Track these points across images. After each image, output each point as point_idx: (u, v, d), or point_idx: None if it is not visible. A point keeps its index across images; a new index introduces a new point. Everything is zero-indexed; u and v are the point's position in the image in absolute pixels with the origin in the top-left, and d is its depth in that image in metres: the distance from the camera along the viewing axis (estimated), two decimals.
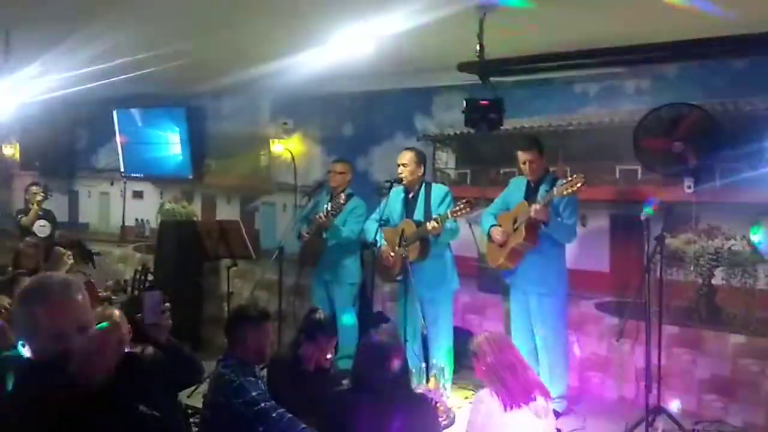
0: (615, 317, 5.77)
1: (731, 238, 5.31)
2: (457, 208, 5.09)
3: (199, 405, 3.76)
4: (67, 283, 2.09)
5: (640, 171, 5.74)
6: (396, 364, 3.25)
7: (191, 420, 3.81)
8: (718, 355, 5.37)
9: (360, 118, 7.43)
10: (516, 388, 3.43)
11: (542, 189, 5.14)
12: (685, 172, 5.36)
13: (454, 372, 5.49)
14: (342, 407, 3.28)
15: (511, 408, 3.39)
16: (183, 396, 3.95)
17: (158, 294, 2.01)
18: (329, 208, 5.96)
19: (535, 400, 3.45)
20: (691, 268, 5.45)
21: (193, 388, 4.09)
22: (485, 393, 3.52)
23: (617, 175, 5.87)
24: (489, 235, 5.36)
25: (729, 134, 5.22)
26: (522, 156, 5.21)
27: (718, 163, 5.32)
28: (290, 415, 3.31)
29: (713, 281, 5.40)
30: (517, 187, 5.41)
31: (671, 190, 5.47)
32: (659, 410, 4.84)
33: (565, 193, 4.81)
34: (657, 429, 4.79)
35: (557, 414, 5.04)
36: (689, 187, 5.38)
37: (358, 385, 3.31)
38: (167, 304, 2.13)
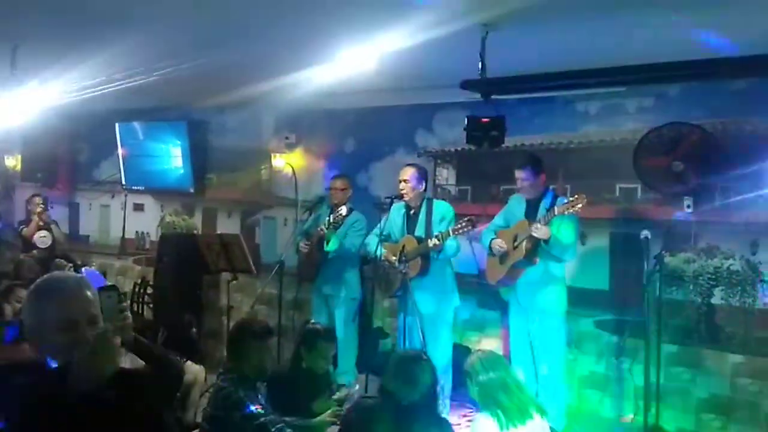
0: (614, 335, 5.77)
1: (730, 257, 5.32)
2: (459, 226, 5.10)
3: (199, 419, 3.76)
4: (79, 279, 2.22)
5: (639, 189, 5.77)
6: (425, 384, 3.26)
7: None
8: (717, 374, 5.37)
9: (361, 134, 7.46)
10: (510, 408, 3.41)
11: (542, 207, 5.14)
12: (684, 191, 5.39)
13: (453, 389, 5.48)
14: (365, 420, 3.28)
15: (507, 429, 3.37)
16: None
17: (114, 293, 2.05)
18: (331, 220, 5.99)
19: (532, 418, 3.44)
20: (690, 287, 5.45)
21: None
22: (483, 415, 3.49)
23: (617, 194, 5.90)
24: (490, 249, 5.35)
25: (729, 154, 5.25)
26: (516, 174, 5.22)
27: (718, 183, 5.34)
28: (290, 430, 3.32)
29: (712, 300, 5.40)
30: (516, 204, 5.41)
31: (670, 209, 5.49)
32: (658, 429, 4.83)
33: (566, 212, 4.81)
34: None
35: None
36: (689, 207, 5.41)
37: (384, 399, 3.30)
38: (124, 304, 2.18)
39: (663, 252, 4.91)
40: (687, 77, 4.72)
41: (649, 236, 4.84)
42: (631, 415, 5.35)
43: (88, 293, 2.12)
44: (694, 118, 5.36)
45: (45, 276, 2.25)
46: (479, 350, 3.75)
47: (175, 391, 2.51)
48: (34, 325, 2.10)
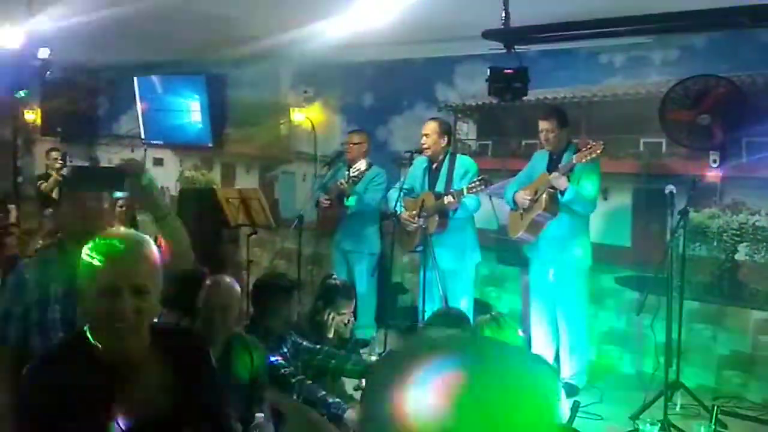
0: (636, 291, 5.73)
1: (756, 213, 5.24)
2: (473, 184, 5.05)
3: None
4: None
5: (664, 144, 5.65)
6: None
7: None
8: (739, 331, 5.33)
9: (380, 88, 7.36)
10: None
11: (564, 160, 5.07)
12: (711, 146, 5.28)
13: None
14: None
15: None
16: None
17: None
18: (351, 175, 5.95)
19: None
20: (715, 243, 5.39)
21: None
22: None
23: (641, 148, 5.79)
24: (514, 203, 5.30)
25: (757, 108, 5.12)
26: (541, 125, 5.14)
27: (745, 137, 5.23)
28: (310, 381, 3.34)
29: (736, 257, 5.33)
30: (539, 160, 5.35)
31: (697, 164, 5.39)
32: (678, 385, 4.81)
33: (584, 160, 4.75)
34: (675, 404, 4.77)
35: (575, 389, 5.04)
36: (715, 162, 5.30)
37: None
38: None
39: (687, 207, 4.83)
40: (715, 25, 4.57)
41: (674, 191, 4.75)
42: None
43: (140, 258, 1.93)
44: (721, 70, 5.22)
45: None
46: (490, 315, 3.48)
47: None
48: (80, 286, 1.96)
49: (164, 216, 2.75)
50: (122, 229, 2.24)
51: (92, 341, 1.87)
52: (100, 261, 1.85)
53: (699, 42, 5.45)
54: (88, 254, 1.88)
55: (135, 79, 9.30)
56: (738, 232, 5.29)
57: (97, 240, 1.91)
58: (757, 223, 5.22)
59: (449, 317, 3.32)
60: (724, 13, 4.08)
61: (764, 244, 5.21)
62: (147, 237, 2.00)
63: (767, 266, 5.21)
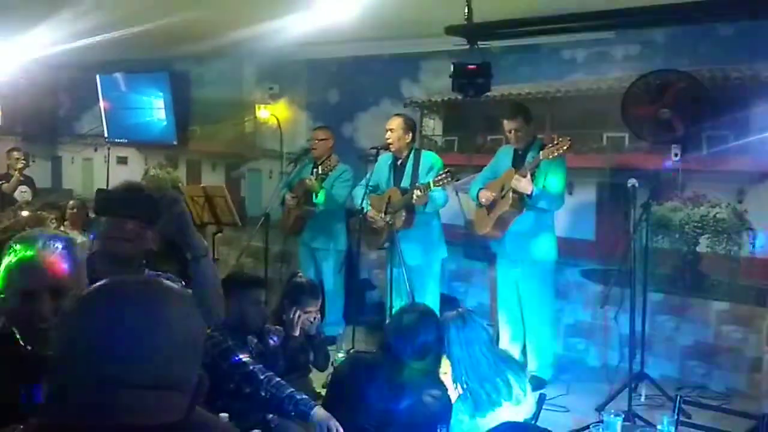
0: (600, 284, 5.79)
1: (716, 205, 5.32)
2: (439, 177, 5.06)
3: None
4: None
5: (627, 138, 5.72)
6: (425, 340, 3.12)
7: None
8: (702, 321, 5.41)
9: (346, 84, 7.36)
10: (480, 393, 3.17)
11: (529, 156, 5.10)
12: (672, 139, 5.35)
13: None
14: (357, 370, 3.20)
15: (475, 416, 3.15)
16: None
17: None
18: (319, 172, 5.94)
19: (500, 406, 3.17)
20: (677, 235, 5.47)
21: None
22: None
23: (604, 143, 5.85)
24: (477, 200, 5.32)
25: (716, 102, 5.21)
26: (507, 124, 5.16)
27: (705, 131, 5.31)
28: (278, 379, 3.31)
29: (698, 249, 5.42)
30: (504, 156, 5.37)
31: (658, 158, 5.47)
32: (642, 377, 4.88)
33: (550, 156, 4.78)
34: (640, 395, 4.83)
35: (542, 382, 5.08)
36: (676, 155, 5.38)
37: (382, 352, 3.20)
38: None
39: (650, 201, 4.89)
40: (674, 21, 4.64)
41: (637, 185, 4.81)
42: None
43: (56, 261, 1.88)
44: (681, 65, 5.30)
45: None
46: (456, 312, 3.49)
47: None
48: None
49: (200, 258, 2.36)
50: (38, 229, 2.17)
51: (20, 340, 1.86)
52: (17, 263, 1.83)
53: (659, 37, 5.52)
54: (6, 256, 1.85)
55: (97, 76, 9.17)
56: (699, 225, 5.38)
57: (14, 242, 1.88)
58: (717, 216, 5.31)
59: (414, 312, 3.31)
60: (683, 8, 4.14)
61: (725, 235, 5.30)
62: (68, 237, 1.96)
63: (728, 258, 5.31)
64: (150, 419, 1.23)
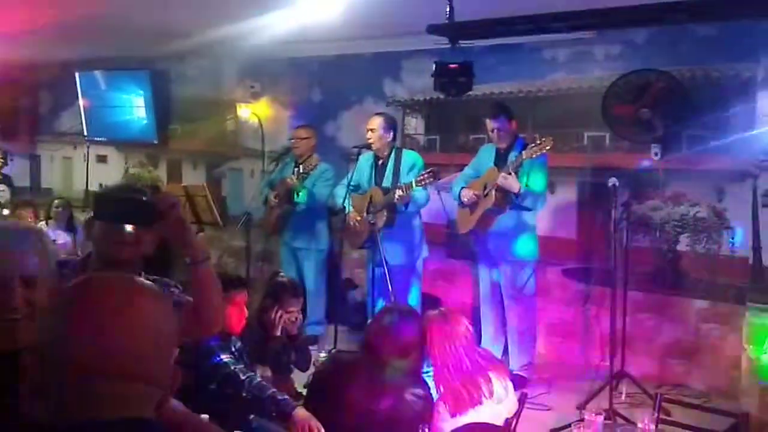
0: (581, 283, 5.82)
1: (696, 204, 5.36)
2: (422, 177, 5.06)
3: None
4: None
5: (608, 138, 5.75)
6: (406, 340, 3.10)
7: None
8: (682, 320, 5.46)
9: (328, 83, 7.33)
10: (461, 392, 3.12)
11: (512, 155, 5.11)
12: (652, 139, 5.38)
13: None
14: (338, 370, 3.18)
15: (456, 415, 3.11)
16: None
17: None
18: (301, 171, 5.92)
19: (486, 398, 3.24)
20: (657, 234, 5.50)
21: None
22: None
23: (585, 142, 5.88)
24: (459, 199, 5.33)
25: (696, 101, 5.24)
26: (490, 124, 5.17)
27: (685, 131, 5.35)
28: (259, 379, 3.30)
29: (678, 247, 5.46)
30: (486, 154, 5.38)
31: (638, 158, 5.50)
32: (623, 375, 4.91)
33: (534, 155, 4.80)
34: (621, 393, 4.86)
35: (524, 381, 5.09)
36: (656, 155, 5.41)
37: (363, 351, 3.18)
38: None
39: (630, 200, 4.92)
40: (654, 20, 4.67)
41: (617, 183, 4.83)
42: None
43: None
44: (661, 65, 5.33)
45: None
46: (438, 311, 3.48)
47: None
48: None
49: (199, 263, 2.29)
50: (11, 221, 2.16)
51: None
52: None
53: (640, 37, 5.55)
54: None
55: (77, 74, 9.09)
56: (679, 224, 5.42)
57: None
58: (697, 215, 5.35)
59: (396, 312, 3.29)
60: (663, 8, 4.16)
61: (704, 234, 5.34)
62: (37, 227, 1.95)
63: (708, 256, 5.34)
64: (128, 411, 1.31)
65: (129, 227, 2.39)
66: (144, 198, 2.24)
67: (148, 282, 1.49)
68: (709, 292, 5.35)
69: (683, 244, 5.43)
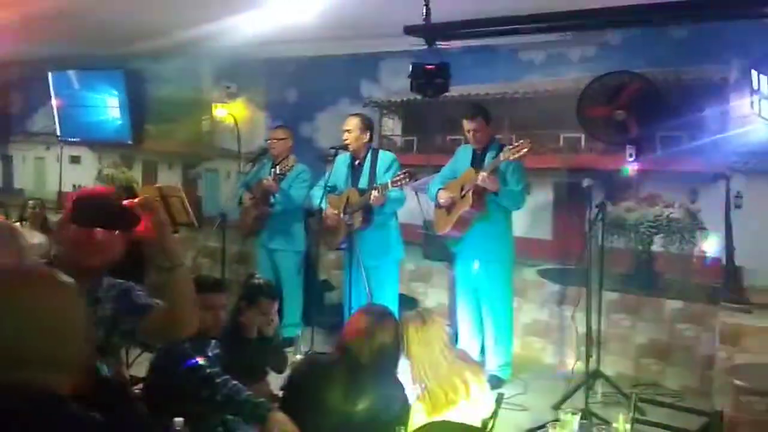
0: (557, 284, 5.85)
1: (670, 205, 5.42)
2: (398, 177, 5.06)
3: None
4: None
5: (583, 139, 5.79)
6: (382, 341, 3.09)
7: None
8: (656, 320, 5.50)
9: (305, 84, 7.30)
10: (439, 394, 3.17)
11: (489, 156, 5.13)
12: (626, 140, 5.42)
13: None
14: (315, 376, 3.16)
15: (433, 416, 3.13)
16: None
17: None
18: (277, 172, 5.88)
19: (463, 399, 3.20)
20: (632, 235, 5.55)
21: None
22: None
23: (561, 144, 5.91)
24: (436, 200, 5.33)
25: (670, 103, 5.29)
26: (467, 125, 5.19)
27: (659, 132, 5.40)
28: (235, 382, 3.27)
29: (652, 248, 5.51)
30: (463, 155, 5.39)
31: (613, 159, 5.54)
32: (599, 375, 4.93)
33: (511, 158, 4.81)
34: (596, 393, 4.89)
35: (501, 381, 5.11)
36: (631, 156, 5.45)
37: (339, 353, 3.16)
38: None
39: (605, 201, 4.96)
40: (629, 23, 4.71)
41: (592, 184, 4.86)
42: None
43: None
44: (636, 67, 5.38)
45: None
46: (416, 312, 3.48)
47: None
48: None
49: (176, 267, 2.29)
50: None
51: None
52: None
53: (614, 39, 5.60)
54: None
55: (50, 74, 8.97)
56: (653, 225, 5.47)
57: None
58: (671, 216, 5.40)
59: (372, 314, 3.29)
60: (638, 10, 4.19)
61: (678, 235, 5.39)
62: (10, 223, 1.95)
63: (681, 257, 5.40)
64: (44, 392, 1.43)
65: (101, 234, 2.34)
66: (125, 203, 2.22)
67: (59, 273, 1.57)
68: (683, 292, 5.40)
69: (658, 245, 5.48)
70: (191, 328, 2.45)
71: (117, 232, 2.34)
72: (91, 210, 2.32)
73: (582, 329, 4.90)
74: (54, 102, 9.09)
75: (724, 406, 3.99)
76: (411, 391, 3.19)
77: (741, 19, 4.40)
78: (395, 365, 3.19)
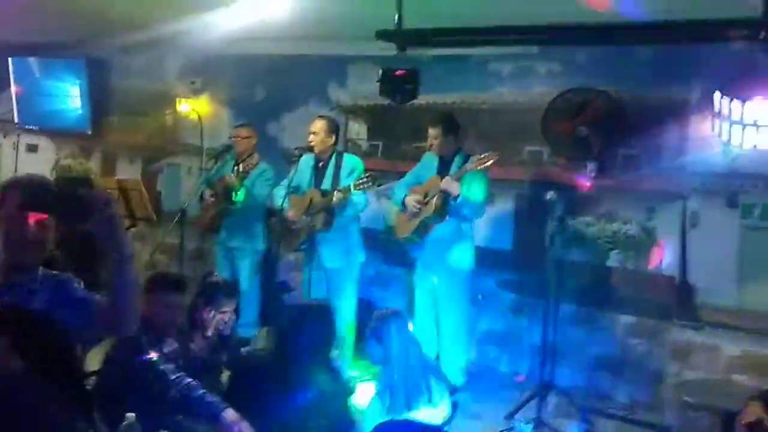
0: (515, 294, 5.90)
1: (628, 222, 5.50)
2: (360, 181, 5.06)
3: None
4: None
5: (545, 153, 5.85)
6: (314, 333, 3.11)
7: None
8: (609, 334, 5.58)
9: (273, 83, 7.25)
10: (400, 392, 3.25)
11: (454, 165, 5.16)
12: (588, 156, 5.50)
13: (356, 343, 5.48)
14: (254, 369, 3.17)
15: (391, 415, 3.19)
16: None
17: None
18: (240, 170, 5.84)
19: (424, 402, 3.28)
20: (589, 249, 5.62)
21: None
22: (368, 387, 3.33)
23: (525, 156, 5.97)
24: (403, 205, 5.33)
25: (632, 122, 5.38)
26: (431, 132, 5.23)
27: (620, 150, 5.49)
28: (189, 379, 3.24)
29: (608, 263, 5.59)
30: (429, 163, 5.41)
31: (574, 174, 5.61)
32: (552, 386, 4.98)
33: (478, 168, 4.85)
34: (548, 404, 4.93)
35: (456, 389, 5.12)
36: (592, 172, 5.52)
37: (276, 347, 3.20)
38: None
39: (564, 215, 5.02)
40: (595, 41, 4.77)
41: (555, 198, 4.92)
42: (523, 376, 5.54)
43: None
44: (600, 85, 5.46)
45: None
46: (394, 311, 3.53)
47: None
48: None
49: (126, 260, 2.27)
50: None
51: None
52: None
53: (581, 56, 5.67)
54: None
55: (9, 60, 8.77)
56: (611, 240, 5.55)
57: None
58: (628, 232, 5.49)
59: (310, 311, 3.33)
60: (604, 29, 4.24)
61: (633, 251, 5.48)
62: None
63: (636, 273, 5.49)
64: None
65: (34, 226, 2.31)
66: (78, 194, 2.16)
67: None
68: (636, 307, 5.49)
69: (614, 260, 5.56)
70: (133, 325, 2.43)
71: (51, 219, 2.31)
72: (41, 196, 2.28)
73: (537, 340, 4.94)
74: (13, 88, 8.88)
75: (673, 421, 4.07)
76: (370, 389, 3.23)
77: (705, 42, 4.49)
78: (328, 355, 3.24)
